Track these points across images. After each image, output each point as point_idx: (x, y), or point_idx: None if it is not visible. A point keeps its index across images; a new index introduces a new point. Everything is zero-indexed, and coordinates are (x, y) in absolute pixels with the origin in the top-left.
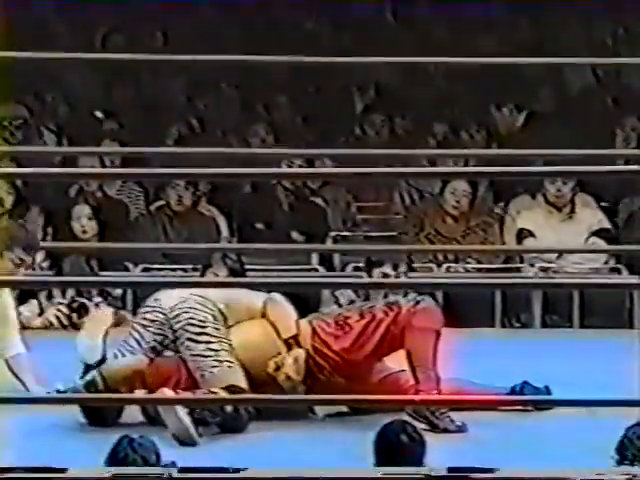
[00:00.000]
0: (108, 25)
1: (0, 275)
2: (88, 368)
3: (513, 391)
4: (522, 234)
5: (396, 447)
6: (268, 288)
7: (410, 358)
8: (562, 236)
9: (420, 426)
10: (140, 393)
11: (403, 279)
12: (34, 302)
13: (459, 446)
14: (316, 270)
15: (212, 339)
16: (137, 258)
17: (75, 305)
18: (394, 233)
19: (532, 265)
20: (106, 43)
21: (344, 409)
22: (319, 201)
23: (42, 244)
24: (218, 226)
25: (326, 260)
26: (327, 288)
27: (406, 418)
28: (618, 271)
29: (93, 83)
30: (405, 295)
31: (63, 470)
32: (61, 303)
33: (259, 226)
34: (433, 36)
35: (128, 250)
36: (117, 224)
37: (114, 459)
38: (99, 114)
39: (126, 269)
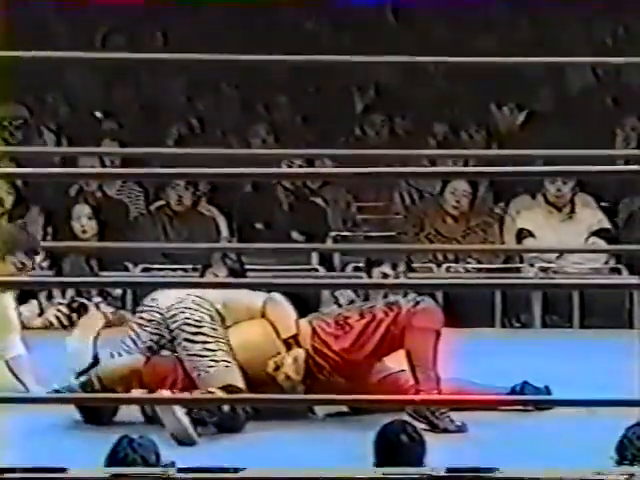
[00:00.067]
0: (108, 25)
1: (0, 276)
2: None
3: (513, 391)
4: (522, 234)
5: (396, 447)
6: (268, 288)
7: (410, 358)
8: (562, 236)
9: (420, 426)
10: (137, 392)
11: (403, 279)
12: (34, 302)
13: (459, 446)
14: (316, 270)
15: (209, 339)
16: (137, 258)
17: (75, 305)
18: (394, 233)
19: (532, 265)
20: (106, 43)
21: (344, 409)
22: (319, 201)
23: (42, 244)
24: (218, 226)
25: (326, 260)
26: (327, 288)
27: (406, 418)
28: (618, 271)
29: (93, 83)
30: (405, 295)
31: (63, 470)
32: (61, 303)
33: (259, 226)
34: (433, 36)
35: (128, 250)
36: (117, 224)
37: (114, 459)
38: (99, 114)
39: (126, 269)
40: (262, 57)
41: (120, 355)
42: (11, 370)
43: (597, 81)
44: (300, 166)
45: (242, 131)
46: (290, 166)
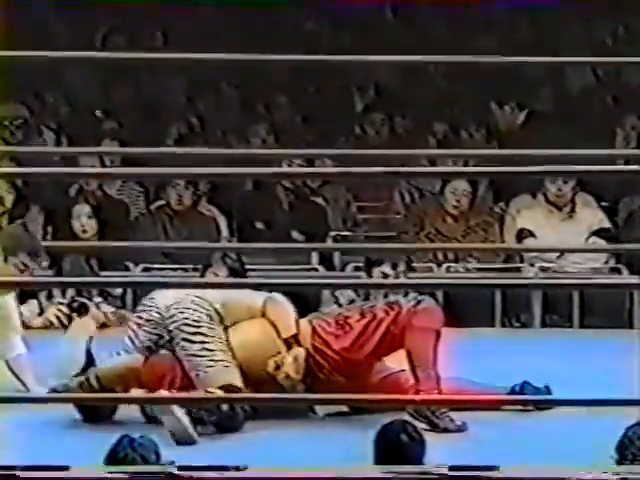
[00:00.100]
0: (108, 25)
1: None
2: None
3: (513, 391)
4: (522, 234)
5: (396, 447)
6: (268, 288)
7: (410, 358)
8: (562, 236)
9: (420, 425)
10: (136, 392)
11: (403, 279)
12: (34, 302)
13: (459, 446)
14: (316, 270)
15: (207, 339)
16: (137, 258)
17: (75, 305)
18: (394, 233)
19: (532, 265)
20: (106, 43)
21: (344, 408)
22: (319, 201)
23: (44, 244)
24: (218, 226)
25: (326, 260)
26: (327, 288)
27: (406, 418)
28: (618, 271)
29: (93, 83)
30: (405, 295)
31: (64, 468)
32: (61, 303)
33: (259, 226)
34: (433, 36)
35: (128, 250)
36: (117, 223)
37: (114, 458)
38: (99, 114)
39: (126, 269)
40: (262, 57)
41: (119, 354)
42: (11, 370)
43: (597, 81)
44: (300, 166)
45: (242, 131)
46: (290, 166)
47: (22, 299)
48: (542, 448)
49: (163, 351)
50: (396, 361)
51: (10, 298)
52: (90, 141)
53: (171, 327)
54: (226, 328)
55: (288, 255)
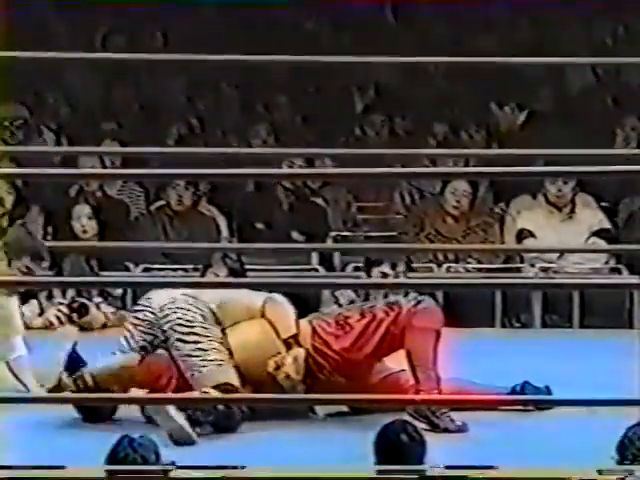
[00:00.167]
0: (108, 25)
1: (0, 276)
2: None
3: (513, 391)
4: (522, 234)
5: (396, 447)
6: (268, 288)
7: (410, 358)
8: (562, 236)
9: (420, 426)
10: (135, 392)
11: (403, 279)
12: (34, 302)
13: (459, 446)
14: (316, 270)
15: (201, 339)
16: (137, 258)
17: (75, 305)
18: (394, 233)
19: (532, 265)
20: (106, 43)
21: (344, 409)
22: (319, 201)
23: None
24: (218, 226)
25: (326, 260)
26: (327, 288)
27: (406, 418)
28: (618, 271)
29: (93, 83)
30: (405, 295)
31: (61, 468)
32: (61, 303)
33: (259, 226)
34: (433, 36)
35: (128, 250)
36: (117, 224)
37: (114, 458)
38: (99, 114)
39: (126, 269)
40: (262, 57)
41: (114, 354)
42: (11, 370)
43: (597, 81)
44: (300, 166)
45: (242, 131)
46: (290, 166)
47: (22, 299)
48: (542, 448)
49: (160, 351)
50: (396, 361)
51: (13, 299)
52: (90, 141)
53: (165, 327)
54: (225, 329)
55: (288, 255)
